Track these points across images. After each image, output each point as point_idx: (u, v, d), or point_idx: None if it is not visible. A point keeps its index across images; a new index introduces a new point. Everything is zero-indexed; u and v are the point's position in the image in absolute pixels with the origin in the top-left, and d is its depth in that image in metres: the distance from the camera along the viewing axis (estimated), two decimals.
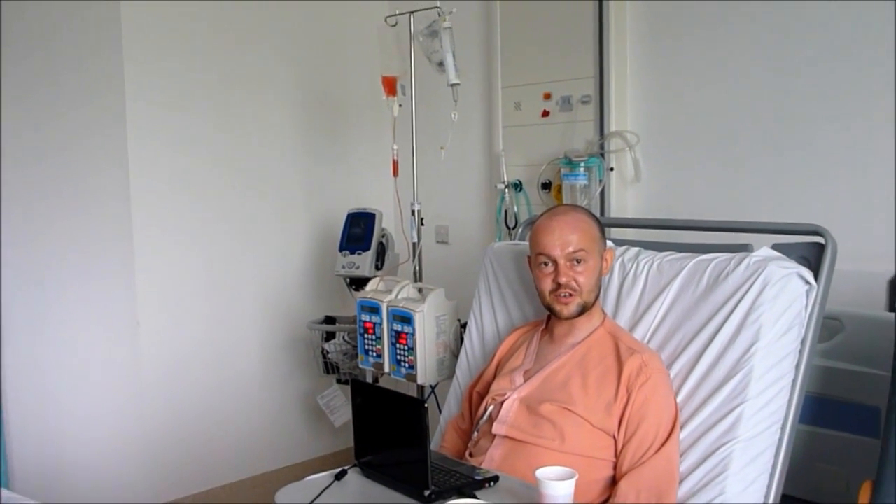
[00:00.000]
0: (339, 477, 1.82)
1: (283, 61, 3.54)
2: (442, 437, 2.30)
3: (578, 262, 1.99)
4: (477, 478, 1.76)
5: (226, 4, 3.33)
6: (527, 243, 2.47)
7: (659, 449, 1.85)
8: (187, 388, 3.31)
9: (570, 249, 1.98)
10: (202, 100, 3.29)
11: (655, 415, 1.88)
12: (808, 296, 1.94)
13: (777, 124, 2.61)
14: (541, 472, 1.58)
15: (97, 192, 3.20)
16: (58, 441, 3.33)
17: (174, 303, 3.26)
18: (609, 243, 2.18)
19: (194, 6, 3.24)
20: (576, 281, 1.98)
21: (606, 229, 2.69)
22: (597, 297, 2.04)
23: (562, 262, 1.98)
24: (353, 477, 1.84)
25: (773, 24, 2.59)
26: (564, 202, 2.97)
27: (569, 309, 2.00)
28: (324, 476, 1.84)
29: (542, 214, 2.11)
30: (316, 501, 1.71)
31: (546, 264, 2.01)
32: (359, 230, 3.25)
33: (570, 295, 1.99)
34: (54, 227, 3.29)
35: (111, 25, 3.06)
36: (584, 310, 2.01)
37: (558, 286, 1.99)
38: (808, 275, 1.95)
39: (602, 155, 2.94)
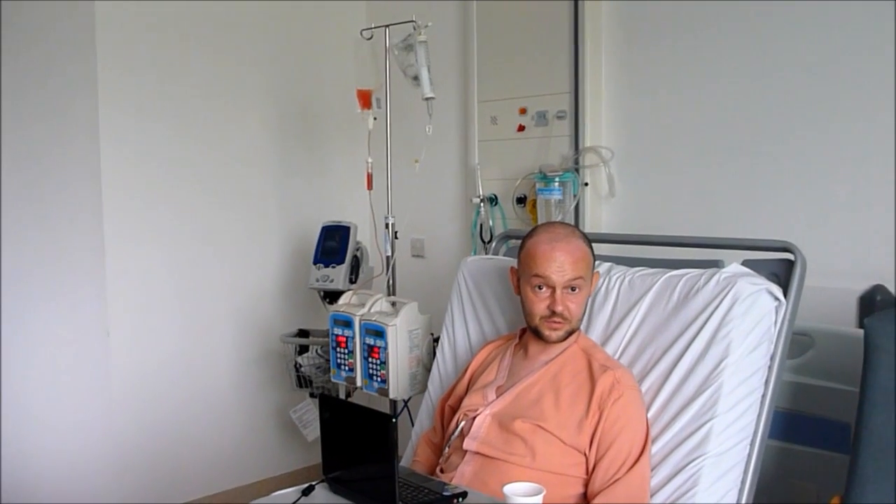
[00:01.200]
0: (306, 492, 1.80)
1: (258, 73, 3.53)
2: (414, 451, 2.29)
3: (573, 289, 1.98)
4: (445, 494, 1.75)
5: (201, 16, 3.32)
6: (501, 258, 2.48)
7: (632, 467, 1.85)
8: (158, 400, 3.27)
9: (569, 277, 1.97)
10: (176, 111, 3.27)
11: (628, 432, 1.87)
12: (777, 312, 1.95)
13: (749, 142, 2.63)
14: (508, 488, 1.57)
15: (68, 202, 3.17)
16: (23, 453, 3.28)
17: (145, 314, 3.23)
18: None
19: (169, 18, 3.23)
20: (569, 309, 1.98)
21: None
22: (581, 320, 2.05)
23: (559, 290, 1.97)
24: (321, 492, 1.82)
25: (747, 43, 2.62)
26: (539, 217, 2.97)
27: (557, 334, 2.00)
28: (291, 491, 1.82)
29: (534, 231, 2.08)
30: None
31: (541, 288, 1.99)
32: (333, 243, 3.23)
33: (561, 322, 1.98)
34: (24, 236, 3.26)
35: (85, 37, 3.05)
36: (569, 334, 2.01)
37: (552, 313, 1.98)
38: (778, 291, 1.96)
39: (577, 170, 2.95)
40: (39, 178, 3.22)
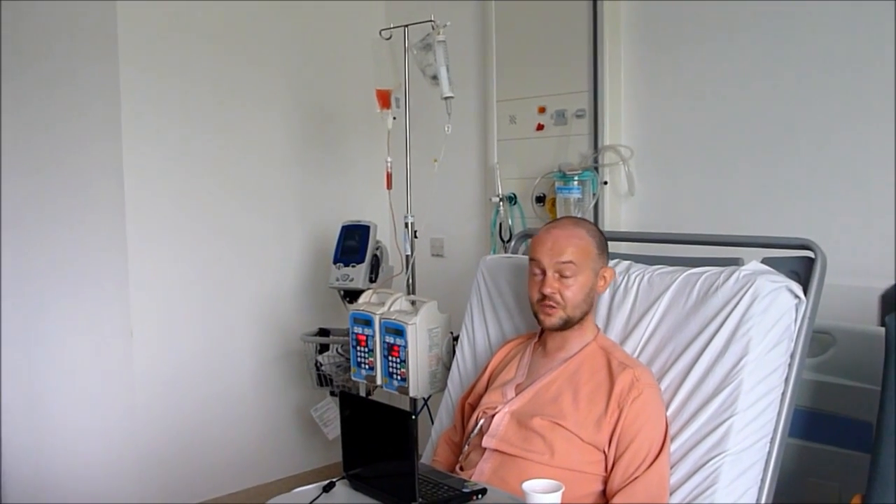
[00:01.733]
0: (326, 489, 1.81)
1: (278, 74, 3.55)
2: (434, 450, 2.30)
3: (566, 275, 1.98)
4: (465, 490, 1.75)
5: (221, 18, 3.34)
6: (521, 256, 2.49)
7: (651, 464, 1.85)
8: (180, 399, 3.30)
9: (559, 260, 1.98)
10: (197, 112, 3.30)
11: (647, 430, 1.87)
12: (797, 310, 1.94)
13: (768, 140, 2.62)
14: (527, 485, 1.57)
15: (92, 203, 3.20)
16: (49, 452, 3.32)
17: (168, 314, 3.26)
18: (611, 262, 2.17)
19: (190, 20, 3.26)
20: (560, 294, 1.98)
21: None
22: (585, 314, 2.03)
23: (549, 272, 1.98)
24: (341, 489, 1.84)
25: (765, 41, 2.61)
26: (558, 215, 2.97)
27: (551, 320, 2.00)
28: (312, 488, 1.83)
29: (547, 223, 2.11)
30: None
31: (536, 273, 2.01)
32: (353, 243, 3.25)
33: (554, 307, 1.98)
34: (49, 237, 3.30)
35: (108, 40, 3.07)
36: (567, 324, 2.00)
37: (544, 297, 1.99)
38: (798, 289, 1.95)
39: (596, 169, 2.95)
40: (61, 179, 3.26)
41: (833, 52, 2.47)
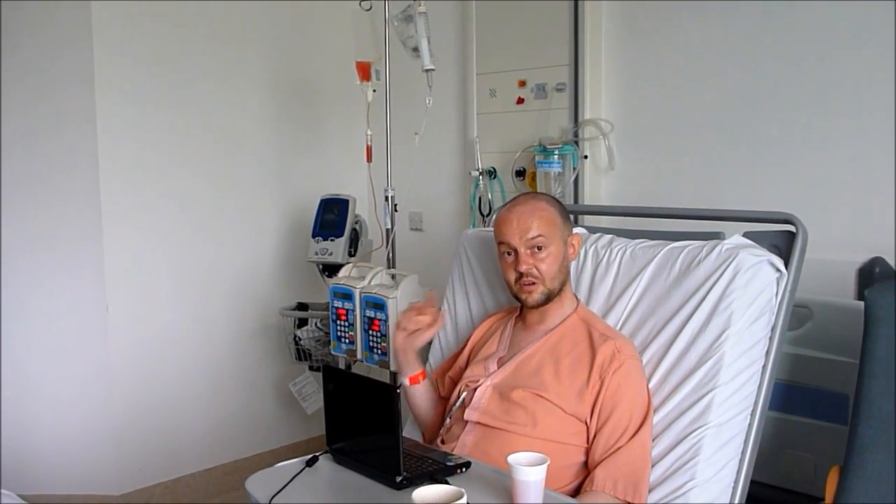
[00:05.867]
0: (310, 463, 1.81)
1: (255, 46, 3.50)
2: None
3: (539, 248, 1.98)
4: (449, 464, 1.75)
5: None
6: None
7: (633, 436, 1.86)
8: (157, 374, 3.28)
9: (529, 236, 1.97)
10: (173, 86, 3.26)
11: (629, 401, 1.88)
12: (778, 283, 1.96)
13: (749, 114, 2.62)
14: (513, 458, 1.58)
15: (66, 180, 3.15)
16: (24, 426, 3.28)
17: (144, 288, 3.23)
18: (578, 229, 2.17)
19: None
20: (537, 268, 1.98)
21: (580, 217, 2.73)
22: (564, 284, 2.03)
23: (522, 249, 1.98)
24: (325, 463, 1.83)
25: (747, 14, 2.60)
26: (538, 190, 2.97)
27: (533, 297, 2.00)
28: (295, 462, 1.83)
29: (505, 204, 2.11)
30: (287, 488, 1.70)
31: (508, 254, 2.01)
32: (332, 216, 3.23)
33: (533, 283, 1.98)
34: (22, 214, 3.24)
35: (81, 17, 3.02)
36: (549, 297, 2.00)
37: (520, 275, 1.98)
38: (779, 262, 1.96)
39: (576, 143, 2.95)
40: (37, 156, 3.19)
41: (811, 29, 2.47)
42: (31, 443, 3.28)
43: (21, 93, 3.16)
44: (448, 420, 2.07)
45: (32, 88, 3.15)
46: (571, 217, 2.19)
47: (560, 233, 2.02)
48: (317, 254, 3.21)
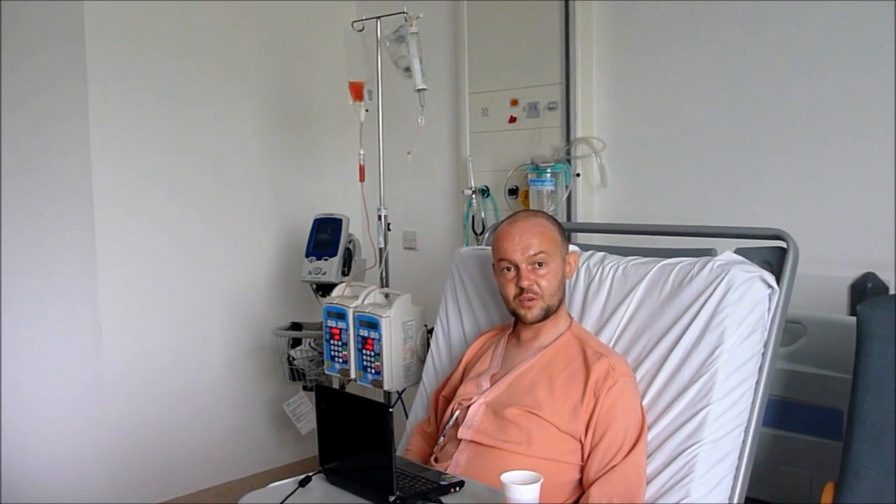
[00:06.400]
0: (303, 483, 1.80)
1: (249, 66, 3.51)
2: (408, 440, 2.29)
3: (540, 265, 1.99)
4: (442, 483, 1.75)
5: (191, 7, 3.30)
6: None
7: (628, 453, 1.86)
8: (150, 395, 3.27)
9: (531, 253, 1.98)
10: (165, 108, 3.26)
11: (623, 419, 1.88)
12: (770, 299, 1.96)
13: (741, 131, 2.63)
14: (506, 476, 1.57)
15: (59, 199, 3.15)
16: (17, 446, 3.26)
17: (137, 309, 3.22)
18: (572, 247, 2.18)
19: (159, 14, 3.21)
20: (538, 284, 1.99)
21: (573, 234, 2.73)
22: (561, 301, 2.04)
23: (523, 265, 1.99)
24: (318, 483, 1.82)
25: (738, 33, 2.62)
26: (531, 208, 2.97)
27: (532, 313, 2.00)
28: (288, 483, 1.82)
29: (503, 221, 2.11)
30: None
31: (508, 269, 2.02)
32: (325, 236, 3.23)
33: (533, 299, 1.99)
34: (14, 232, 3.23)
35: (75, 36, 3.03)
36: (547, 313, 2.01)
37: (521, 290, 1.99)
38: (771, 278, 1.97)
39: (568, 161, 2.96)
40: (33, 182, 3.19)
41: (801, 46, 2.49)
42: (24, 463, 3.26)
43: (16, 120, 3.16)
44: (442, 438, 2.07)
45: (27, 115, 3.15)
46: None
47: (559, 250, 2.03)
48: (310, 273, 3.21)
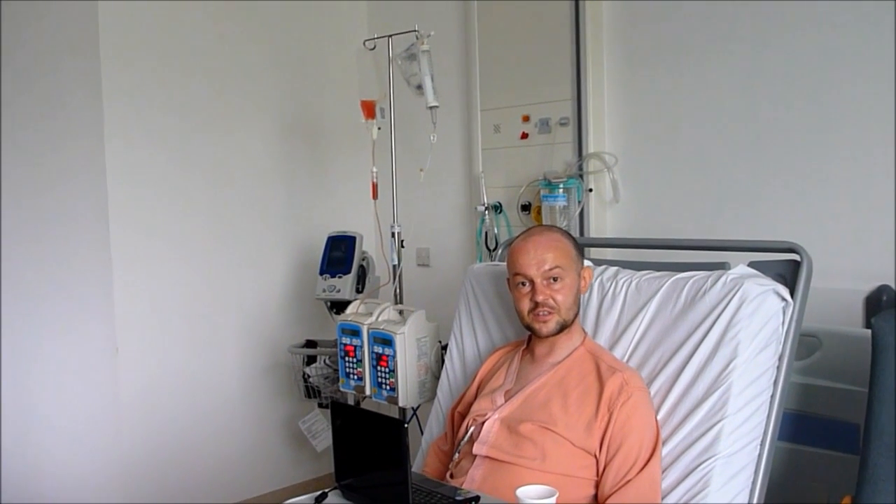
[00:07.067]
0: (319, 500, 1.81)
1: (263, 85, 3.55)
2: (424, 459, 2.29)
3: (555, 280, 1.99)
4: (458, 498, 1.75)
5: (203, 30, 3.34)
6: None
7: (642, 468, 1.85)
8: (166, 414, 3.28)
9: (546, 267, 1.99)
10: (181, 126, 3.29)
11: (637, 434, 1.88)
12: (784, 312, 1.96)
13: (753, 144, 2.64)
14: (521, 491, 1.57)
15: (75, 220, 3.18)
16: (34, 465, 3.29)
17: (153, 328, 3.24)
18: (587, 262, 2.19)
19: (173, 34, 3.25)
20: (553, 299, 1.99)
21: (586, 249, 2.73)
22: (576, 316, 2.04)
23: (538, 280, 1.99)
24: (334, 499, 1.83)
25: (749, 46, 2.63)
26: (544, 223, 2.98)
27: (548, 327, 2.00)
28: (304, 499, 1.83)
29: (517, 236, 2.12)
30: None
31: (523, 284, 2.02)
32: (339, 253, 3.24)
33: (549, 313, 1.99)
34: (32, 252, 3.27)
35: (90, 62, 3.07)
36: (563, 328, 2.01)
37: (536, 305, 1.99)
38: (785, 291, 1.96)
39: (581, 176, 2.96)
40: (46, 195, 3.24)
41: (814, 58, 2.50)
42: (42, 484, 3.28)
43: (31, 140, 3.21)
44: (457, 455, 2.07)
45: (43, 134, 3.20)
46: None
47: (574, 265, 2.04)
48: (325, 291, 3.22)
